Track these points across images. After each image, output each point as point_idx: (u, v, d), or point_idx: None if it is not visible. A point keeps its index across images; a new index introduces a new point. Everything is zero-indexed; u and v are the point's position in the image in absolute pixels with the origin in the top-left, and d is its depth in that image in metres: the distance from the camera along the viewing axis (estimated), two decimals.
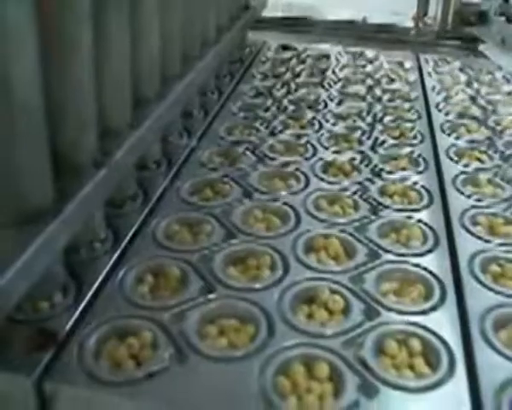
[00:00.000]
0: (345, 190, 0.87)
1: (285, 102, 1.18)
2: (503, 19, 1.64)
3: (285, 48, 1.54)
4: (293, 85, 1.27)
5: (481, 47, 1.58)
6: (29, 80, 0.54)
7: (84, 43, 0.64)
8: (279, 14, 1.81)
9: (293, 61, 1.44)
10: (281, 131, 1.05)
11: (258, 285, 0.67)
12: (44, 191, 0.59)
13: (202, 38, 1.11)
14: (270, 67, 1.39)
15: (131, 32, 0.77)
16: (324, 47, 1.55)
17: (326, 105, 1.18)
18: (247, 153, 0.97)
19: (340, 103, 1.19)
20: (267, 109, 1.15)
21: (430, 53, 1.55)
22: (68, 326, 0.60)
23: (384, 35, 1.72)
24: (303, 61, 1.44)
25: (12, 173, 0.56)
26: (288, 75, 1.34)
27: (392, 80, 1.33)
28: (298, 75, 1.34)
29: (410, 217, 0.81)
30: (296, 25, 1.78)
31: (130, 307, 0.63)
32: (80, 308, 0.63)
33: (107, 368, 0.56)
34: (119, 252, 0.72)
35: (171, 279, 0.68)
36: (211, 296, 0.65)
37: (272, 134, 1.04)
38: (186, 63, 1.00)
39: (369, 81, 1.32)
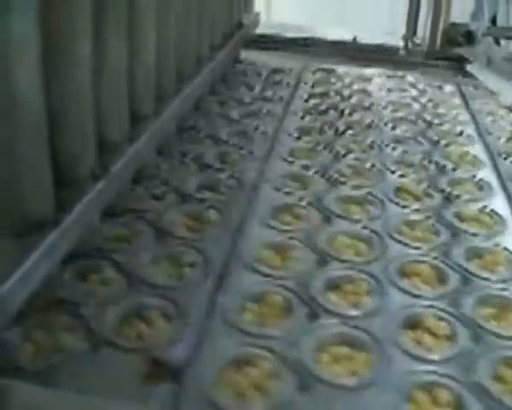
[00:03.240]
0: (420, 214, 0.87)
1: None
2: (490, 39, 1.67)
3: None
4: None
5: (468, 67, 1.61)
6: (32, 92, 0.55)
7: (84, 58, 0.66)
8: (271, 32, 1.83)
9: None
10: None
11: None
12: (45, 202, 0.60)
13: (197, 55, 1.13)
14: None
15: (129, 50, 0.79)
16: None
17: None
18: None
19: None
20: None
21: (419, 72, 1.58)
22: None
23: (374, 55, 1.75)
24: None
25: (14, 184, 0.57)
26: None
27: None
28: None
29: (495, 243, 0.81)
30: (288, 44, 1.79)
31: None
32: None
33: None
34: None
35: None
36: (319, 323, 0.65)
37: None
38: (181, 80, 1.02)
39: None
